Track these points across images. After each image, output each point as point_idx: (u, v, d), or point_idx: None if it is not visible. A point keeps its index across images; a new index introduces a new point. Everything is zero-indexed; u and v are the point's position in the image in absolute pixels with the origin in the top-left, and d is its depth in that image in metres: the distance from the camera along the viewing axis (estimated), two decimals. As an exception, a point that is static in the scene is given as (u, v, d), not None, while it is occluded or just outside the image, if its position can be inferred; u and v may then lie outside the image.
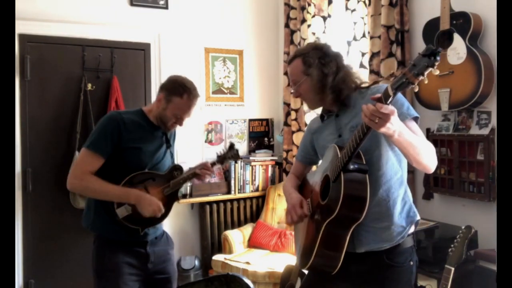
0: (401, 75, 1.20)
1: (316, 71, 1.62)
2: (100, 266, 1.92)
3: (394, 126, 1.31)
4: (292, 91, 1.76)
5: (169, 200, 2.02)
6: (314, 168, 2.01)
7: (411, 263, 1.60)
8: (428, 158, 1.48)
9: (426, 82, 1.20)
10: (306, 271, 1.83)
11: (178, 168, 2.08)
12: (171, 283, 2.07)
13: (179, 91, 1.94)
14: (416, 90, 1.23)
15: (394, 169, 1.58)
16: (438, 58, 1.15)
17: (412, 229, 1.62)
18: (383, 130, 1.30)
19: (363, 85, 1.66)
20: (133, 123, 1.94)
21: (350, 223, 1.49)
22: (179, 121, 1.99)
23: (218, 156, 2.22)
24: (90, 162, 1.87)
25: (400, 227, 1.57)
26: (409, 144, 1.40)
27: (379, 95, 1.29)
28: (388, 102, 1.26)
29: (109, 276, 1.89)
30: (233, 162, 3.86)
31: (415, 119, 1.54)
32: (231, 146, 2.24)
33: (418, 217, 1.63)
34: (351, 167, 1.45)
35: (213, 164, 2.16)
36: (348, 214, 1.47)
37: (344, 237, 1.52)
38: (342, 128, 1.64)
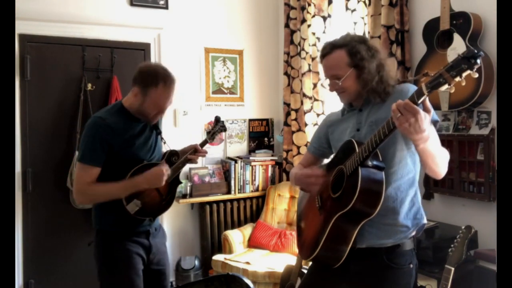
0: (438, 75, 1.19)
1: (368, 64, 1.54)
2: (110, 258, 1.92)
3: (418, 134, 1.28)
4: (328, 84, 1.65)
5: (172, 186, 2.07)
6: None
7: (411, 266, 1.59)
8: (442, 167, 1.48)
9: (463, 84, 1.18)
10: (306, 271, 1.83)
11: (175, 153, 2.10)
12: (166, 275, 2.10)
13: (154, 82, 1.85)
14: (452, 91, 1.21)
15: (407, 169, 1.57)
16: (478, 61, 1.14)
17: (414, 232, 1.61)
18: (405, 131, 1.28)
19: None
20: (118, 125, 1.90)
21: (361, 217, 1.49)
22: (161, 110, 1.93)
23: (208, 133, 2.25)
24: (88, 175, 1.86)
25: (405, 227, 1.57)
26: (431, 155, 1.40)
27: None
28: (420, 100, 1.24)
29: (121, 268, 1.90)
30: (233, 163, 3.86)
31: (434, 123, 1.50)
32: (217, 119, 2.25)
33: (424, 221, 1.62)
34: (369, 163, 1.45)
35: (204, 143, 2.17)
36: (362, 209, 1.46)
37: (353, 231, 1.52)
38: (362, 122, 1.62)
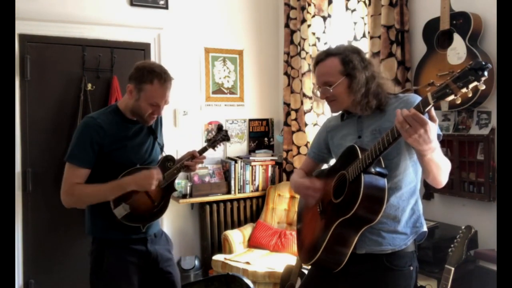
0: (444, 86, 1.19)
1: (358, 74, 1.55)
2: (100, 266, 1.87)
3: (427, 144, 1.28)
4: (319, 91, 1.65)
5: (166, 193, 1.99)
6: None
7: (411, 268, 1.59)
8: (444, 177, 1.48)
9: (470, 95, 1.18)
10: (306, 271, 1.84)
11: (170, 159, 2.04)
12: (174, 282, 2.01)
13: (149, 78, 1.80)
14: (458, 102, 1.20)
15: (409, 178, 1.58)
16: (486, 73, 1.13)
17: (413, 239, 1.61)
18: (414, 143, 1.28)
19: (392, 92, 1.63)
20: (110, 125, 1.85)
21: (363, 223, 1.49)
22: (157, 109, 1.86)
23: (208, 140, 2.19)
24: (76, 176, 1.80)
25: (403, 235, 1.57)
26: (436, 165, 1.40)
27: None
28: (425, 110, 1.24)
29: (111, 276, 1.85)
30: (233, 163, 3.86)
31: (437, 136, 1.49)
32: (220, 127, 2.20)
33: (424, 229, 1.62)
34: (373, 169, 1.44)
35: (203, 150, 2.10)
36: (363, 215, 1.46)
37: (354, 237, 1.52)
38: (363, 129, 1.62)
